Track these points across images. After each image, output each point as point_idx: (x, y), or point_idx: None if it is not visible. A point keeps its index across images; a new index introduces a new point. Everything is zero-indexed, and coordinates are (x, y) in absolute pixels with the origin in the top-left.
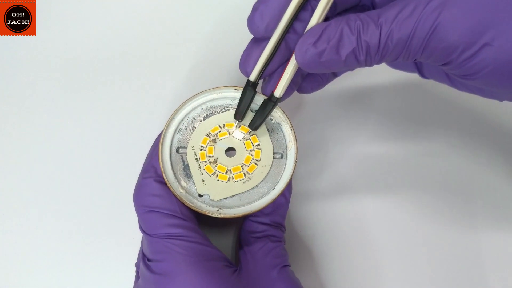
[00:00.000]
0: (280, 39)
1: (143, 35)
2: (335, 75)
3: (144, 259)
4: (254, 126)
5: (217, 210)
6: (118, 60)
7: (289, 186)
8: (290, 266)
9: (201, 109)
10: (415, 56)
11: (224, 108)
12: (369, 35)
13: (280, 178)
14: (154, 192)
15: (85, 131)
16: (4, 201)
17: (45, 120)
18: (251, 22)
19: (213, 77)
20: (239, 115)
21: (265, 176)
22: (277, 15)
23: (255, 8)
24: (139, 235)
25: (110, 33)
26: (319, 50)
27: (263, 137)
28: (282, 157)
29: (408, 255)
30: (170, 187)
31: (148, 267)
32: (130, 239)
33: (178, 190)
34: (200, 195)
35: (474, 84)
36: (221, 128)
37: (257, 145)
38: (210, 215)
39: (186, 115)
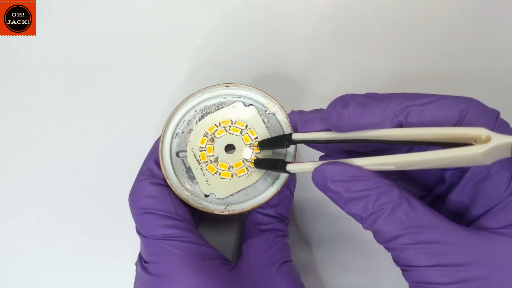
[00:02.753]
0: (343, 140)
1: (143, 36)
2: None
3: (141, 261)
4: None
5: (225, 208)
6: (117, 60)
7: (293, 178)
8: (291, 261)
9: (195, 111)
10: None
11: (217, 106)
12: (385, 227)
13: None
14: (149, 194)
15: (84, 131)
16: (4, 201)
17: (44, 120)
18: (335, 112)
19: (212, 77)
20: (262, 147)
21: None
22: (363, 127)
23: (354, 102)
24: None
25: (109, 33)
26: (332, 189)
27: (260, 129)
28: None
29: None
30: (175, 192)
31: (144, 269)
32: (130, 239)
33: (184, 193)
34: (206, 195)
35: None
36: (217, 126)
37: (255, 138)
38: (218, 213)
39: (181, 119)
